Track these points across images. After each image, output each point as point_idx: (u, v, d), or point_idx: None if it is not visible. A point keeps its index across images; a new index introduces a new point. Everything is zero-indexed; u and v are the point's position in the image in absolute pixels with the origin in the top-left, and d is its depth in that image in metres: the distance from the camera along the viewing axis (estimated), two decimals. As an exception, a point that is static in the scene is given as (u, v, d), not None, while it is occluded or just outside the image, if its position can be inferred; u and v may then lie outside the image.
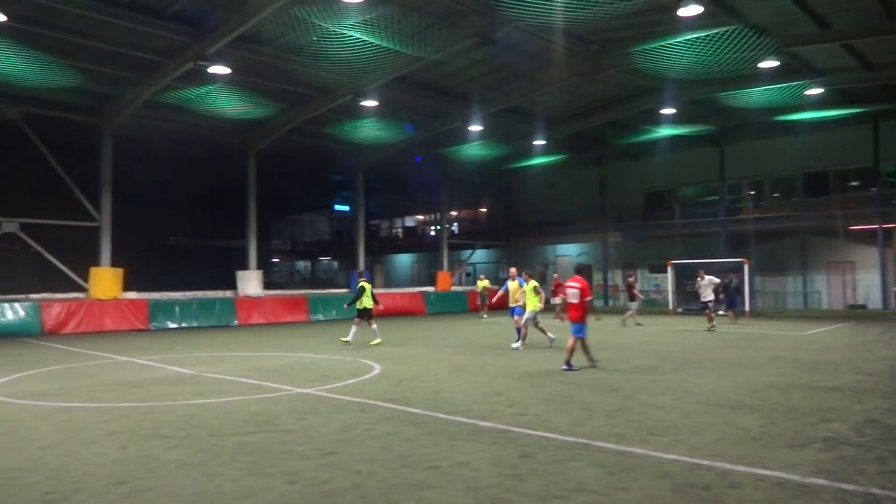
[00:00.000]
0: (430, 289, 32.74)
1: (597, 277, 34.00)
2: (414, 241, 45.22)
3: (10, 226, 21.06)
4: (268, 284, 29.29)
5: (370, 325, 15.91)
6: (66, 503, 4.69)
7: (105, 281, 21.75)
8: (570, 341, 11.03)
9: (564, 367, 10.87)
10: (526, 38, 18.22)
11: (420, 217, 45.38)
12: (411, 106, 24.14)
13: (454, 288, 34.10)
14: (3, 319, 19.12)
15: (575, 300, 11.11)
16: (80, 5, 14.96)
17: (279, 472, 5.35)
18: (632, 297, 21.58)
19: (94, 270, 21.85)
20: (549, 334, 14.56)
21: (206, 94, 20.44)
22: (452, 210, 38.01)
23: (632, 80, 22.02)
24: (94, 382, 10.32)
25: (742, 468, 5.33)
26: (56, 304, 20.31)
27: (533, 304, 14.19)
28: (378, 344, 15.41)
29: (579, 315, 11.08)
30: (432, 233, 41.70)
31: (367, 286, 16.09)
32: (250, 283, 25.65)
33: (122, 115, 21.50)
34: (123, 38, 17.13)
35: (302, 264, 54.61)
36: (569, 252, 35.65)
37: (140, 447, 6.19)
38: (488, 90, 23.16)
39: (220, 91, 20.27)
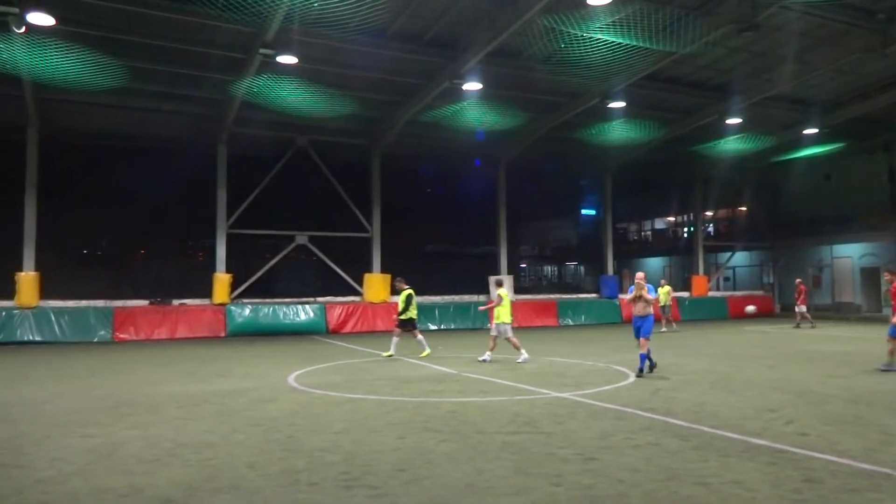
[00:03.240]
0: (685, 294, 31.03)
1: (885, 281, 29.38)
2: (665, 243, 43.22)
3: (302, 238, 24.47)
4: (516, 289, 30.11)
5: (415, 336, 14.83)
6: (359, 483, 5.30)
7: (376, 286, 24.22)
8: None
9: None
10: (794, 17, 16.52)
11: (671, 218, 43.25)
12: (661, 103, 23.18)
13: (711, 293, 31.97)
14: (298, 319, 22.23)
15: None
16: (356, 42, 16.89)
17: (543, 473, 5.48)
18: None
19: (367, 276, 24.48)
20: (488, 354, 13.50)
21: (460, 110, 21.73)
22: (707, 210, 35.61)
23: (931, 50, 18.75)
24: (371, 377, 11.50)
25: None
26: (337, 306, 23.13)
27: (506, 314, 13.58)
28: (428, 356, 14.37)
29: None
30: (685, 235, 39.50)
31: (414, 293, 14.86)
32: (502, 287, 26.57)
33: (387, 136, 23.83)
34: (389, 66, 18.97)
35: (549, 269, 55.19)
36: (849, 253, 31.33)
37: (415, 439, 6.77)
38: (748, 79, 21.35)
39: (472, 106, 21.39)
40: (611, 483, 5.22)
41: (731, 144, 27.35)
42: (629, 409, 8.15)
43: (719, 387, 9.99)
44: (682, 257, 38.39)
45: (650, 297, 11.36)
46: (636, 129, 24.82)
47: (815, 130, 25.54)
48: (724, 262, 36.22)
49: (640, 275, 11.98)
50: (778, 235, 33.98)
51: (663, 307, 21.65)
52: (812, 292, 28.17)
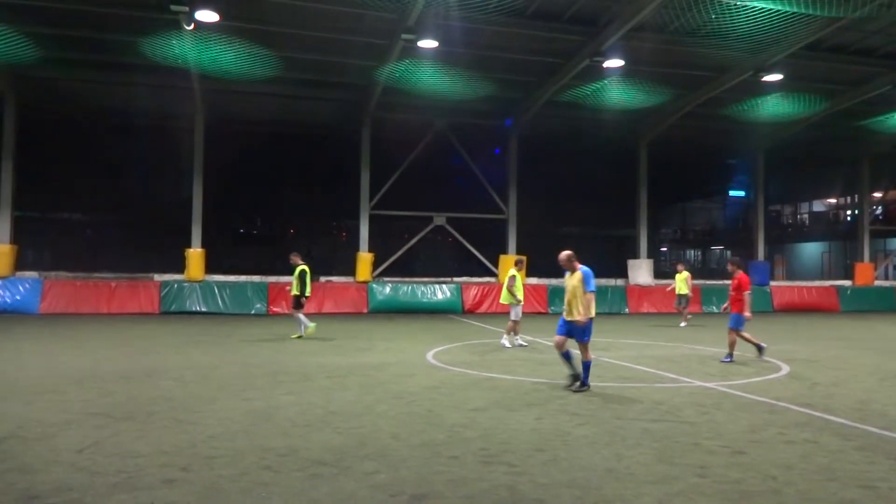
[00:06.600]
0: (846, 283, 28.51)
1: None
2: (824, 227, 39.86)
3: (440, 220, 25.06)
4: (656, 274, 29.04)
5: (296, 313, 14.16)
6: (498, 459, 5.39)
7: (511, 268, 24.22)
8: None
9: None
10: None
11: (832, 200, 39.76)
12: (823, 74, 21.26)
13: (878, 282, 29.12)
14: (435, 298, 22.83)
15: None
16: (495, 23, 16.88)
17: (687, 464, 5.30)
18: None
19: (502, 258, 24.60)
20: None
21: (600, 89, 21.15)
22: (876, 191, 32.31)
23: None
24: (507, 357, 11.61)
25: None
26: (473, 286, 23.46)
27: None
28: (299, 338, 13.83)
29: None
30: (848, 218, 36.19)
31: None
32: (640, 272, 25.79)
33: (525, 117, 23.69)
34: (528, 46, 18.82)
35: (692, 253, 52.71)
36: None
37: (552, 420, 6.77)
38: (930, 43, 19.09)
39: (613, 84, 20.76)
40: (761, 479, 4.96)
41: (907, 117, 24.64)
42: (782, 403, 7.66)
43: (888, 384, 9.13)
44: (843, 243, 35.27)
45: (588, 293, 8.29)
46: (794, 103, 22.99)
47: None
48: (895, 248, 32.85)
49: (564, 254, 8.63)
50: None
51: (682, 297, 18.84)
52: None
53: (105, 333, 14.84)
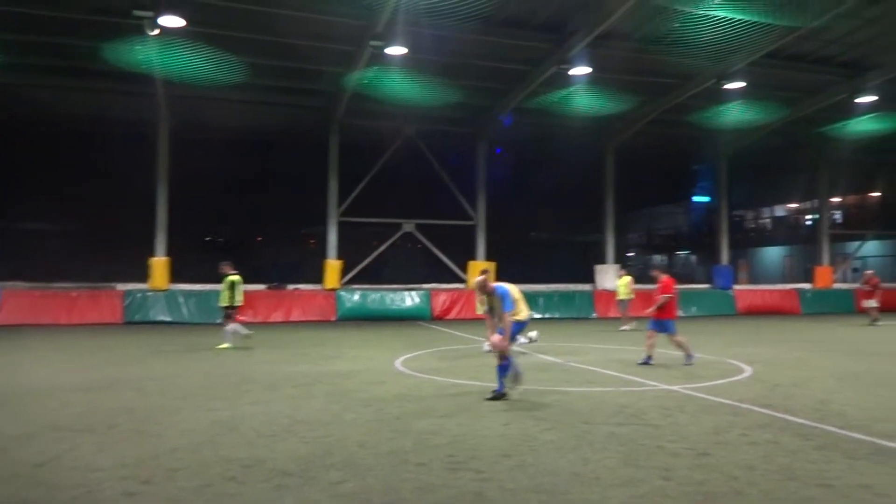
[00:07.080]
0: (807, 286, 29.19)
1: None
2: (785, 232, 40.80)
3: (409, 226, 25.02)
4: (624, 278, 29.41)
5: (227, 324, 13.84)
6: (465, 466, 5.39)
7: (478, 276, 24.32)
8: None
9: None
10: (939, -17, 15.04)
11: (793, 205, 40.69)
12: (783, 82, 21.82)
13: (837, 285, 29.85)
14: (404, 305, 22.80)
15: None
16: (464, 30, 16.95)
17: (652, 467, 5.36)
18: None
19: (471, 264, 24.63)
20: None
21: (567, 96, 21.38)
22: (835, 196, 33.16)
23: None
24: (476, 363, 11.62)
25: None
26: (442, 293, 23.48)
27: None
28: (225, 349, 13.42)
29: None
30: (808, 222, 37.08)
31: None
32: (608, 276, 26.05)
33: (494, 124, 23.83)
34: (496, 53, 18.97)
35: (658, 258, 53.47)
36: None
37: (520, 426, 6.79)
38: (884, 53, 19.69)
39: (580, 91, 20.99)
40: (724, 480, 5.04)
41: (863, 125, 25.36)
42: (744, 405, 7.80)
43: (846, 385, 9.36)
44: (803, 247, 36.10)
45: (505, 313, 8.25)
46: (755, 110, 23.54)
47: (963, 108, 23.22)
48: (853, 252, 33.73)
49: (477, 280, 8.76)
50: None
51: (623, 301, 19.29)
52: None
53: (65, 344, 14.50)
